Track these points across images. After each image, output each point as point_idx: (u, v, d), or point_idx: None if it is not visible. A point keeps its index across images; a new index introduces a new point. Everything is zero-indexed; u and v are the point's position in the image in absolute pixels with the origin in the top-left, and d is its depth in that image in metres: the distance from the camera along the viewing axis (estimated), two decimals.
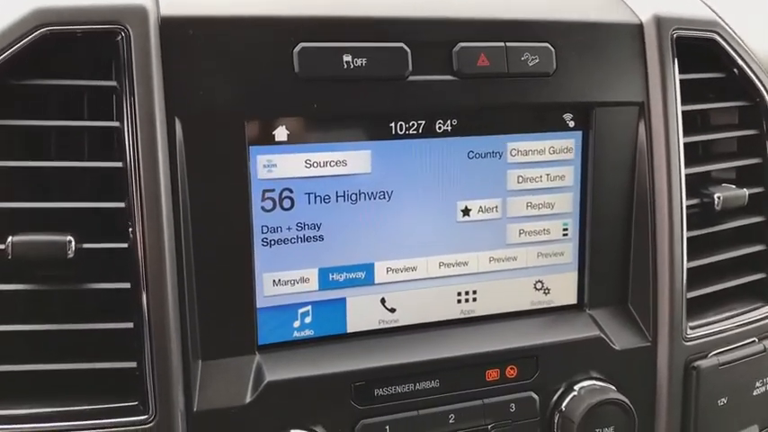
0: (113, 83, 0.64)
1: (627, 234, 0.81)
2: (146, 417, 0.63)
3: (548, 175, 0.78)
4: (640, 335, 0.81)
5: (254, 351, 0.70)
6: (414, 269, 0.75)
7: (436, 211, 0.74)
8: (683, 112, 0.80)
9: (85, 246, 0.63)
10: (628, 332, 0.80)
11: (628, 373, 0.79)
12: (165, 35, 0.64)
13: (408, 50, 0.70)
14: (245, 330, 0.69)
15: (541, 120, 0.77)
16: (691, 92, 0.81)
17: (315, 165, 0.70)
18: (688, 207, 0.80)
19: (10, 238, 0.60)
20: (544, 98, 0.75)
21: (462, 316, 0.78)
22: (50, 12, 0.62)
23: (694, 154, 0.85)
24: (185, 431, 0.65)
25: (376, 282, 0.74)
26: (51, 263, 0.62)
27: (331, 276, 0.73)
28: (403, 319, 0.76)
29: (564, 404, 0.77)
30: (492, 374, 0.75)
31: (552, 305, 0.81)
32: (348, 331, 0.74)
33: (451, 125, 0.73)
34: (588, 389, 0.77)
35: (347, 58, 0.68)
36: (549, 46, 0.74)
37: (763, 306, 0.87)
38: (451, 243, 0.76)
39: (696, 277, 0.82)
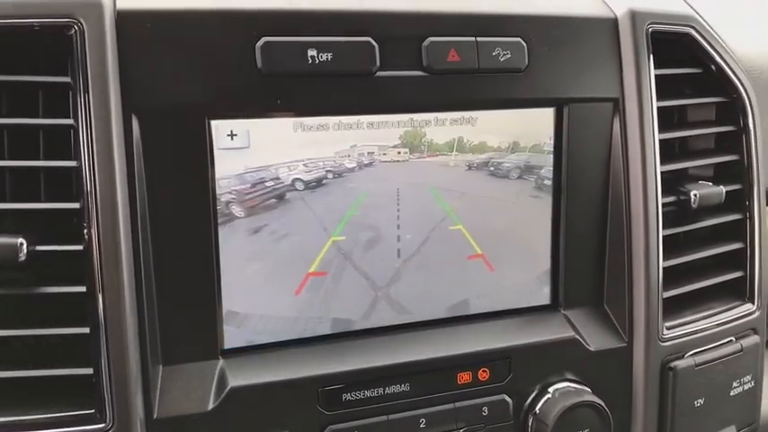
0: (67, 79, 0.61)
1: (602, 233, 0.80)
2: (103, 425, 0.61)
3: None
4: (616, 335, 0.79)
5: (218, 356, 0.68)
6: None
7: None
8: (659, 109, 0.78)
9: (38, 248, 0.61)
10: (603, 333, 0.79)
11: (603, 374, 0.78)
12: (122, 29, 0.62)
13: (376, 45, 0.68)
14: (207, 334, 0.67)
15: None
16: (667, 88, 0.80)
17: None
18: (664, 205, 0.79)
19: None
20: (516, 94, 0.73)
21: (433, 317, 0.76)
22: (1, 5, 0.60)
23: (670, 151, 0.84)
24: None
25: None
26: (3, 266, 0.60)
27: None
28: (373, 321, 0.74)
29: (538, 407, 0.76)
30: (464, 377, 0.74)
31: (525, 305, 0.79)
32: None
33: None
34: (563, 391, 0.76)
35: (312, 52, 0.66)
36: (521, 41, 0.73)
37: (740, 305, 0.86)
38: None
39: (672, 276, 0.81)
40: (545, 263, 0.79)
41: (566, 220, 0.78)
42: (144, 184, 0.63)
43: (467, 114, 0.73)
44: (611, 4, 0.79)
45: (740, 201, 0.86)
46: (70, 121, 0.61)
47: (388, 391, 0.71)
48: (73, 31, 0.60)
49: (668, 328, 0.80)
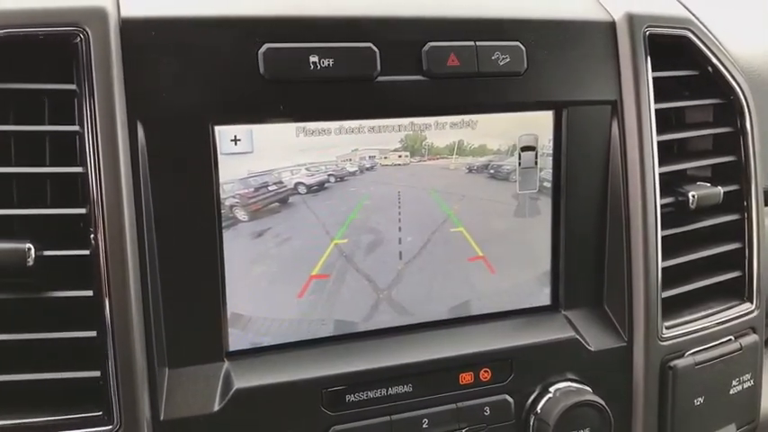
0: (73, 86, 0.62)
1: (601, 234, 0.80)
2: (110, 427, 0.62)
3: None
4: (616, 335, 0.80)
5: (223, 358, 0.69)
6: None
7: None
8: (657, 111, 0.79)
9: (46, 253, 0.61)
10: (603, 333, 0.80)
11: (603, 373, 0.79)
12: (126, 37, 0.62)
13: (377, 50, 0.69)
14: (213, 337, 0.68)
15: None
16: (665, 90, 0.81)
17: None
18: (662, 206, 0.80)
19: None
20: (515, 98, 0.74)
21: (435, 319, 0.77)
22: (7, 14, 0.60)
23: (669, 152, 0.85)
24: None
25: None
26: (10, 271, 0.61)
27: None
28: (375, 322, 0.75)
29: (539, 406, 0.76)
30: (466, 378, 0.74)
31: (526, 306, 0.80)
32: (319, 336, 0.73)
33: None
34: (564, 390, 0.76)
35: (314, 58, 0.67)
36: (520, 45, 0.73)
37: (738, 304, 0.87)
38: None
39: (671, 276, 0.81)
40: (545, 264, 0.80)
41: (565, 222, 0.79)
42: (149, 189, 0.64)
43: (467, 118, 0.74)
44: (609, 8, 0.79)
45: (738, 201, 0.87)
46: (76, 128, 0.62)
47: (390, 391, 0.72)
48: (78, 39, 0.61)
49: (668, 328, 0.80)
